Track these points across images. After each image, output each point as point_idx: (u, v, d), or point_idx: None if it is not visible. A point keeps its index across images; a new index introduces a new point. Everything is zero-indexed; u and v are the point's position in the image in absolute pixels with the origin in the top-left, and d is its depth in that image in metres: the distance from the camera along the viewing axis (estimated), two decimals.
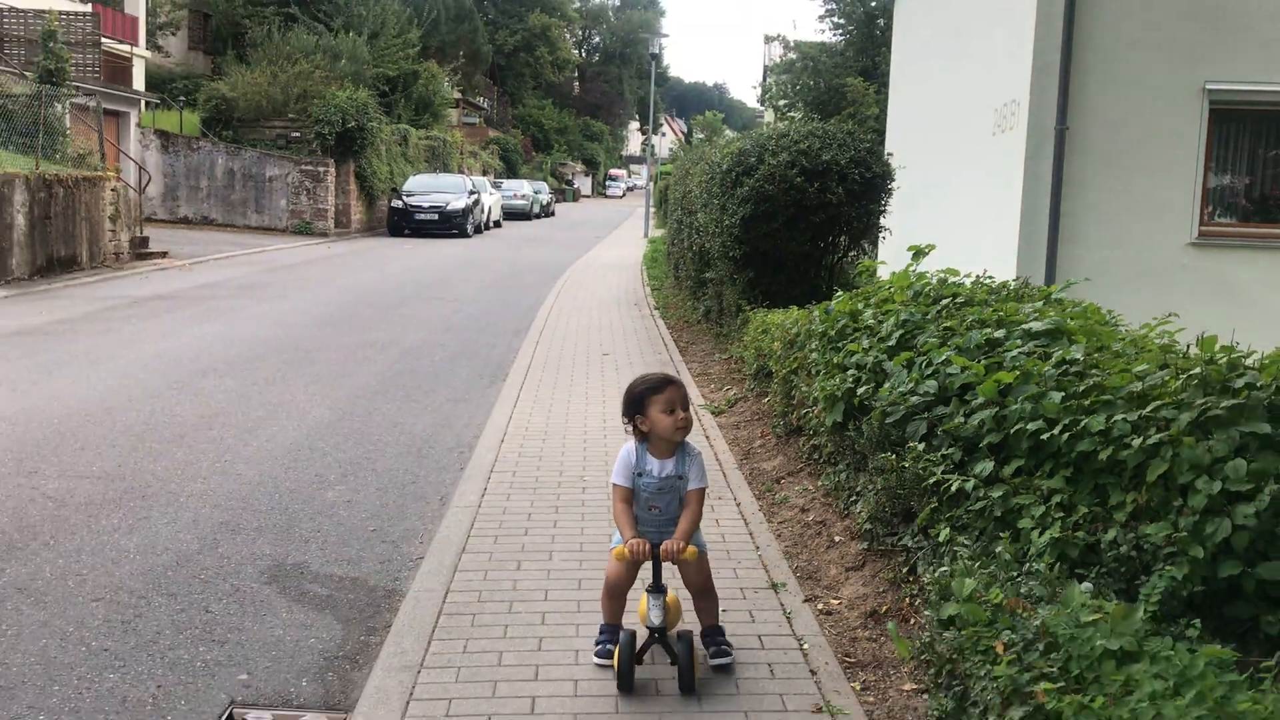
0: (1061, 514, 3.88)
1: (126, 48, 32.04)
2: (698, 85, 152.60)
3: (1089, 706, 2.40)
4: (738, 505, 5.76)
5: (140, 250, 19.38)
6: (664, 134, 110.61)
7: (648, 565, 3.81)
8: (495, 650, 3.94)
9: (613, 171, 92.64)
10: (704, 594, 3.93)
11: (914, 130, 17.90)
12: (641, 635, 3.80)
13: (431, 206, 31.04)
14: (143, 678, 3.80)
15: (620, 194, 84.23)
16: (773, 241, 9.91)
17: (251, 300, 14.76)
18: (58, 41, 18.22)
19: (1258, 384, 3.96)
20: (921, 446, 4.56)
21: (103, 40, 25.73)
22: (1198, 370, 4.06)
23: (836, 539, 5.05)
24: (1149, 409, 3.96)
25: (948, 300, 5.79)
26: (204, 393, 8.56)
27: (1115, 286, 11.38)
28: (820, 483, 5.78)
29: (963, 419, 4.45)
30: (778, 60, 40.02)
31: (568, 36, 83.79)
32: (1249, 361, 4.14)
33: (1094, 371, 4.38)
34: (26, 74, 18.99)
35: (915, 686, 3.63)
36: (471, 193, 32.93)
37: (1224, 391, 3.94)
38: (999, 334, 5.02)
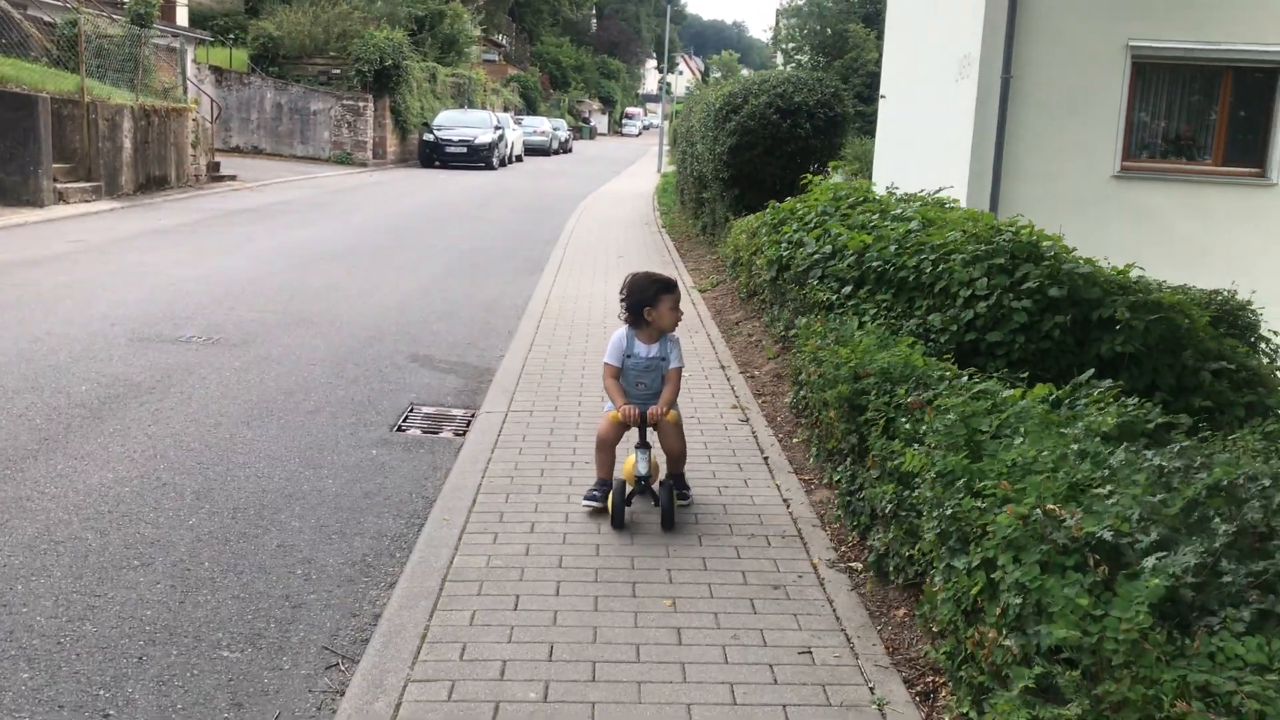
0: (885, 312, 6.73)
1: None
2: (716, 23, 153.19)
3: (840, 353, 5.23)
4: (708, 335, 8.63)
5: (214, 174, 22.20)
6: (681, 72, 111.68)
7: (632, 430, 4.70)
8: (556, 388, 6.85)
9: (629, 110, 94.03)
10: (677, 456, 4.77)
11: (901, 74, 20.47)
12: (628, 488, 4.64)
13: (461, 140, 33.71)
14: (358, 393, 6.73)
15: (636, 132, 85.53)
16: (754, 166, 12.69)
17: (323, 214, 17.61)
18: None
19: (1005, 237, 6.79)
20: (816, 283, 7.40)
21: None
22: (975, 231, 6.90)
23: (765, 347, 7.93)
24: (941, 254, 6.79)
25: (852, 199, 8.62)
26: (320, 272, 11.45)
27: (1051, 213, 14.00)
28: (762, 320, 8.65)
29: (840, 265, 7.29)
30: (787, 5, 42.30)
31: None
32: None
33: (922, 236, 7.20)
34: (115, 17, 21.63)
35: (790, 401, 6.51)
36: (497, 128, 35.55)
37: (987, 242, 6.76)
38: (875, 218, 7.85)
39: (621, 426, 4.69)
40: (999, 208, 14.42)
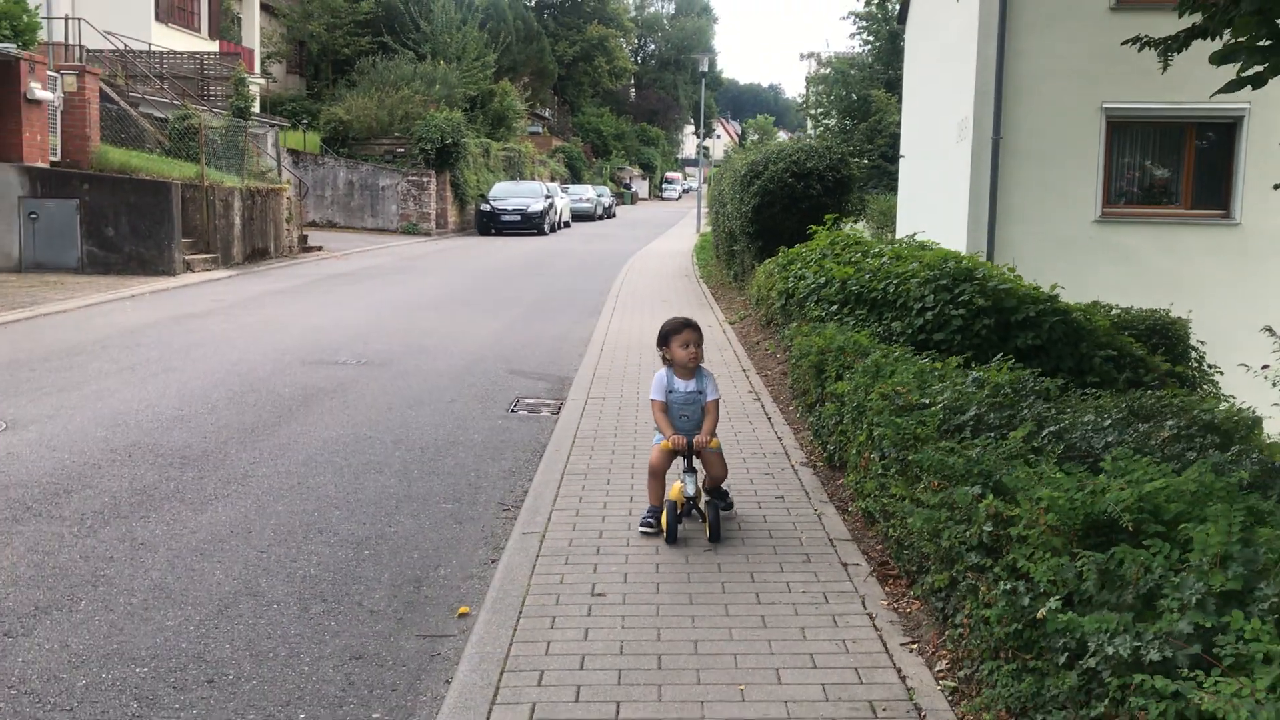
0: (861, 322, 9.19)
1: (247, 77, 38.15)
2: (752, 87, 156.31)
3: (813, 339, 7.65)
4: (734, 351, 11.12)
5: (304, 245, 25.18)
6: (719, 137, 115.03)
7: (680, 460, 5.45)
8: (620, 385, 9.36)
9: (669, 175, 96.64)
10: (720, 478, 5.41)
11: (916, 136, 23.07)
12: (678, 508, 5.27)
13: (515, 209, 36.73)
14: (478, 391, 9.28)
15: (676, 196, 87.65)
16: (774, 222, 15.21)
17: (407, 276, 20.41)
18: (246, 85, 24.05)
19: (949, 266, 9.24)
20: (813, 305, 9.87)
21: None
22: (928, 260, 9.36)
23: (778, 357, 10.42)
24: (901, 279, 9.26)
25: (844, 243, 11.13)
26: (421, 318, 14.12)
27: (1040, 253, 16.37)
28: (777, 337, 11.13)
29: (830, 291, 9.78)
30: (814, 74, 45.20)
31: (624, 45, 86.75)
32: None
33: (889, 267, 9.68)
34: (217, 110, 24.85)
35: (789, 385, 8.95)
36: (547, 197, 38.57)
37: (936, 269, 9.21)
38: (858, 256, 10.36)
39: (670, 454, 5.24)
40: (994, 251, 16.73)
